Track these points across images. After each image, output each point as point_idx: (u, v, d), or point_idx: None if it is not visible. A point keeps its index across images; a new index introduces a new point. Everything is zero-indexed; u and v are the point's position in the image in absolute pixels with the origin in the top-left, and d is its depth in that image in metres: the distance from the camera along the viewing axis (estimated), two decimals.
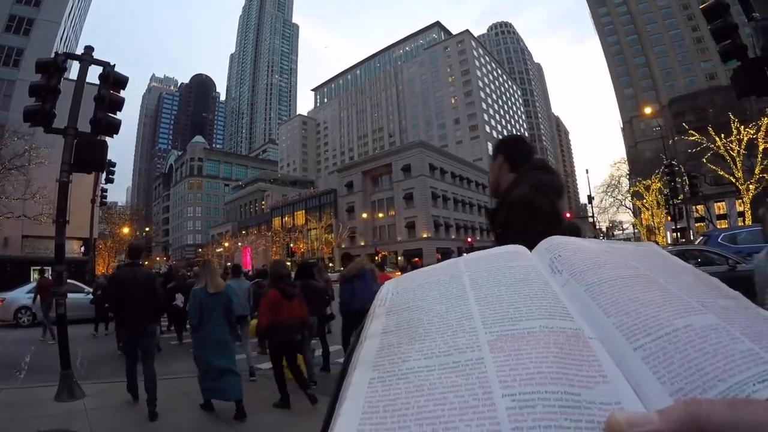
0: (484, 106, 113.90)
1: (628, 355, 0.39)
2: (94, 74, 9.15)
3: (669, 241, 35.17)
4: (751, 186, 33.31)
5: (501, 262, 0.60)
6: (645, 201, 45.36)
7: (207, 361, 6.28)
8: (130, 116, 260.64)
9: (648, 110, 46.73)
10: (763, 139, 31.66)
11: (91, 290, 17.17)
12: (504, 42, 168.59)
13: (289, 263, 54.65)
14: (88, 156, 8.59)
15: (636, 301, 0.46)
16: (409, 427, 0.34)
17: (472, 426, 0.33)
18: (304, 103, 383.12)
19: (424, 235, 72.46)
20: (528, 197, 2.64)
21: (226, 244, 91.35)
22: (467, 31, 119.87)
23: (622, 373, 0.38)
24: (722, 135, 34.13)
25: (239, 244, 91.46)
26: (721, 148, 33.86)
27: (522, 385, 0.36)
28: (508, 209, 2.68)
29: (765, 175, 32.50)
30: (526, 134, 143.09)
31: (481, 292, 0.52)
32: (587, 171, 54.57)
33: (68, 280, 15.05)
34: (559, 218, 2.71)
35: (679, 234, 32.46)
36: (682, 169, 34.41)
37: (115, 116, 8.97)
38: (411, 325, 0.49)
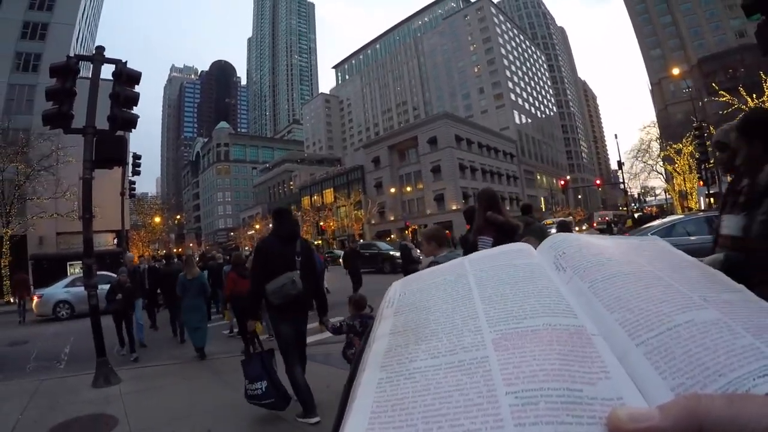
0: (508, 73, 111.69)
1: (630, 350, 0.40)
2: (110, 71, 9.24)
3: (702, 207, 34.23)
4: None
5: (505, 260, 0.60)
6: (676, 166, 44.19)
7: (186, 320, 9.83)
8: (153, 108, 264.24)
9: (676, 71, 45.19)
10: None
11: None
12: (525, 6, 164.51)
13: (319, 242, 55.15)
14: (109, 153, 8.79)
15: (638, 297, 0.46)
16: (416, 425, 0.35)
17: (477, 423, 0.33)
18: (326, 81, 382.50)
19: (454, 207, 71.95)
20: (260, 242, 5.81)
21: (257, 226, 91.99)
22: None
23: (625, 369, 0.38)
24: (754, 95, 32.80)
25: (270, 225, 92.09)
26: None
27: (525, 382, 0.36)
28: None
29: None
30: (552, 100, 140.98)
31: (486, 291, 0.53)
32: (616, 136, 53.26)
33: (103, 272, 15.45)
34: (281, 252, 5.40)
35: (712, 200, 31.61)
36: (713, 132, 33.37)
37: (131, 112, 9.12)
38: (418, 326, 0.50)
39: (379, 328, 0.54)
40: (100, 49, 9.16)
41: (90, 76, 8.83)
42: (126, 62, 9.10)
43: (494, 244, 3.87)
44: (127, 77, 9.00)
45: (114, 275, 18.14)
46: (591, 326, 0.44)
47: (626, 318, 0.44)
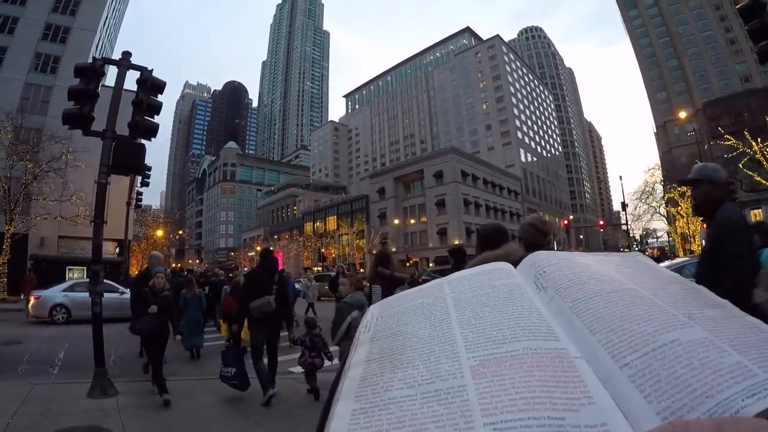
0: (515, 111, 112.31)
1: (614, 373, 0.38)
2: (129, 81, 9.45)
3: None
4: None
5: (485, 281, 0.59)
6: (680, 208, 44.24)
7: (186, 328, 10.76)
8: (164, 122, 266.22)
9: (682, 114, 45.55)
10: None
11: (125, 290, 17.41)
12: (535, 47, 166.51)
13: (319, 268, 54.91)
14: (127, 159, 8.67)
15: (621, 317, 0.45)
16: None
17: None
18: (336, 109, 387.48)
19: (456, 242, 71.73)
20: (249, 272, 9.47)
21: (258, 248, 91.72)
22: (498, 36, 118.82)
23: (609, 393, 0.37)
24: (759, 139, 33.06)
25: (271, 248, 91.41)
26: (758, 152, 32.87)
27: (504, 412, 0.35)
28: None
29: None
30: (558, 140, 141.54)
31: (464, 314, 0.51)
32: (621, 177, 53.31)
33: (104, 280, 15.44)
34: (263, 281, 7.59)
35: None
36: None
37: (152, 120, 9.10)
38: (394, 352, 0.48)
39: (355, 355, 0.52)
40: (127, 54, 9.15)
41: (108, 83, 8.88)
42: (152, 70, 9.12)
43: (383, 293, 6.78)
44: (152, 85, 9.04)
45: (114, 284, 18.26)
46: (573, 349, 0.43)
47: (609, 339, 0.42)
